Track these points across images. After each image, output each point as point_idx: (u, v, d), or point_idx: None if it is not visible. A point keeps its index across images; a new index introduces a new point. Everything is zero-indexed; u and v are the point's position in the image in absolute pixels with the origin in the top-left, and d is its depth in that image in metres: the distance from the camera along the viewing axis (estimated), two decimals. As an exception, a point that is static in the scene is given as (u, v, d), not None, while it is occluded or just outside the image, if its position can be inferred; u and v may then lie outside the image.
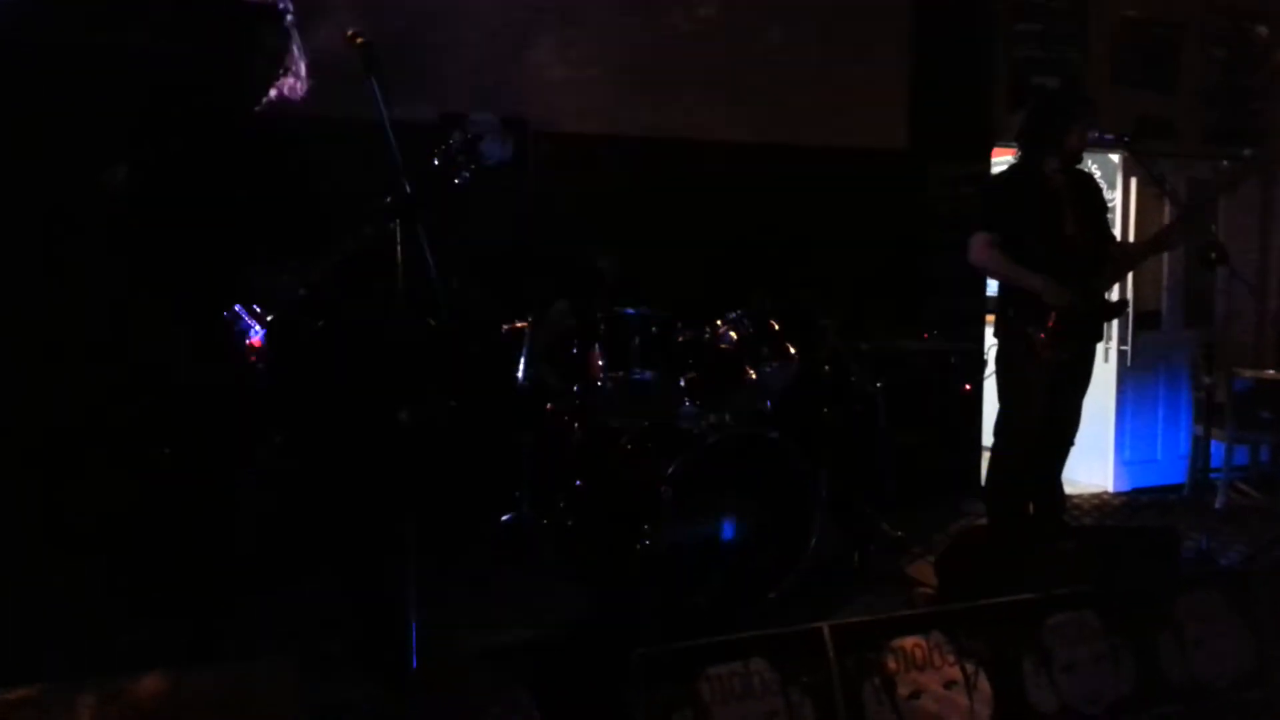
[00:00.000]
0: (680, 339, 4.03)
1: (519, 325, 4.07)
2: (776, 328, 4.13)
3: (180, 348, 2.93)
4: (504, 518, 4.18)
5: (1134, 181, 6.23)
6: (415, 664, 2.68)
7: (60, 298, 2.20)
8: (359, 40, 2.80)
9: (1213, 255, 3.88)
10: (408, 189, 2.76)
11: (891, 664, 2.28)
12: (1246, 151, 4.20)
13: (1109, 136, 4.04)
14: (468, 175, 3.18)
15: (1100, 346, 4.29)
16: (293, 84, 3.02)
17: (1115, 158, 6.31)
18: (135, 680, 1.73)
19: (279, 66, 2.97)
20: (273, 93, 3.01)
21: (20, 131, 2.65)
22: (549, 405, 4.45)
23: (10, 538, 3.52)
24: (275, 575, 4.01)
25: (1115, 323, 6.04)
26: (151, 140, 2.31)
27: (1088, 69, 6.20)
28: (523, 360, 4.07)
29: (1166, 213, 6.07)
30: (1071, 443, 4.29)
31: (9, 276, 3.21)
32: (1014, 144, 4.34)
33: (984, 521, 4.58)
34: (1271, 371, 5.96)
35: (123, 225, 2.82)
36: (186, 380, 2.93)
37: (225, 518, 3.11)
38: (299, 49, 3.01)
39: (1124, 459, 6.28)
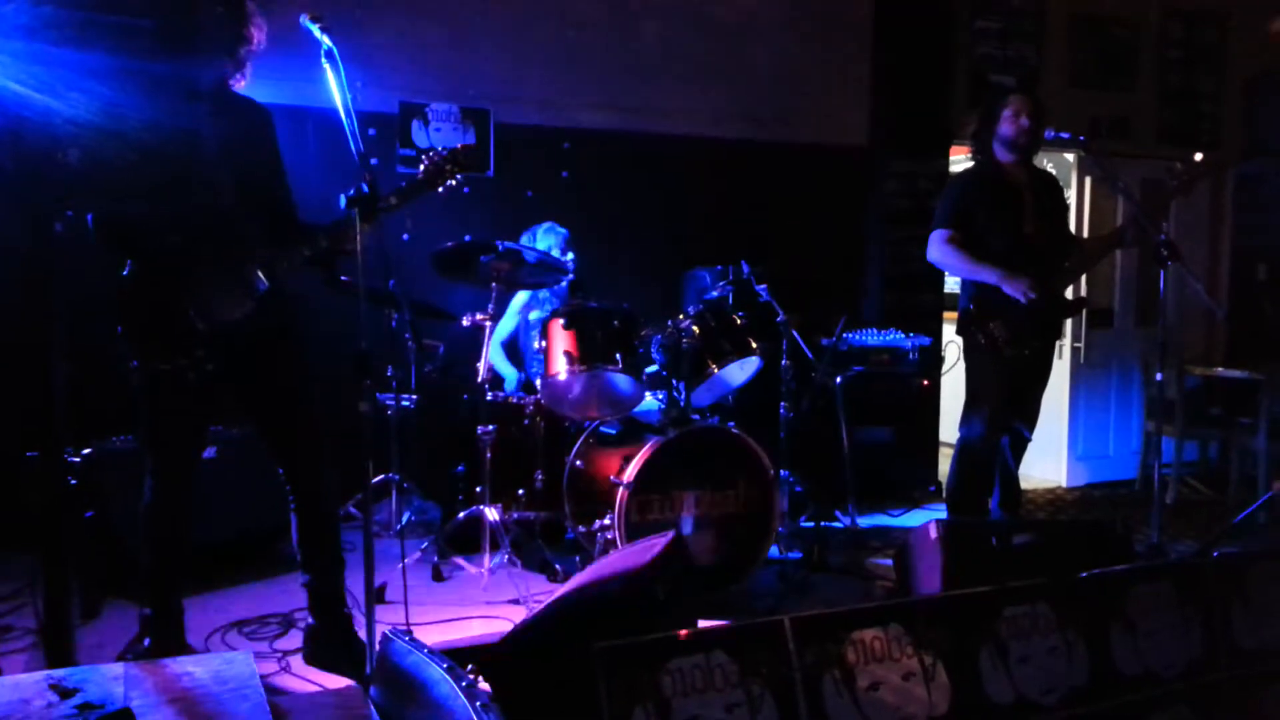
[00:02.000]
0: (643, 333, 4.01)
1: (479, 318, 4.02)
2: (738, 322, 4.14)
3: (138, 331, 2.88)
4: (463, 512, 4.14)
5: (1088, 181, 6.32)
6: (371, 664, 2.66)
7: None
8: (315, 21, 2.75)
9: (1163, 253, 3.94)
10: (367, 181, 2.72)
11: (851, 656, 2.29)
12: (1197, 155, 4.26)
13: (1064, 135, 4.07)
14: (452, 184, 3.20)
15: (1055, 343, 4.35)
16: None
17: (1070, 157, 6.39)
18: (94, 671, 1.69)
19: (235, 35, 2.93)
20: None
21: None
22: (509, 399, 4.43)
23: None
24: (227, 569, 3.97)
25: (1070, 321, 6.13)
26: (108, 121, 2.26)
27: (1045, 68, 6.28)
28: (484, 353, 4.03)
29: (1120, 212, 6.18)
30: (1029, 438, 4.35)
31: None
32: (969, 142, 4.38)
33: (943, 516, 4.63)
34: (1221, 369, 6.08)
35: (80, 205, 2.78)
36: (144, 366, 2.88)
37: (182, 509, 3.06)
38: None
39: (1077, 454, 6.38)
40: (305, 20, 2.72)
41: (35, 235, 1.96)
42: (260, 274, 2.94)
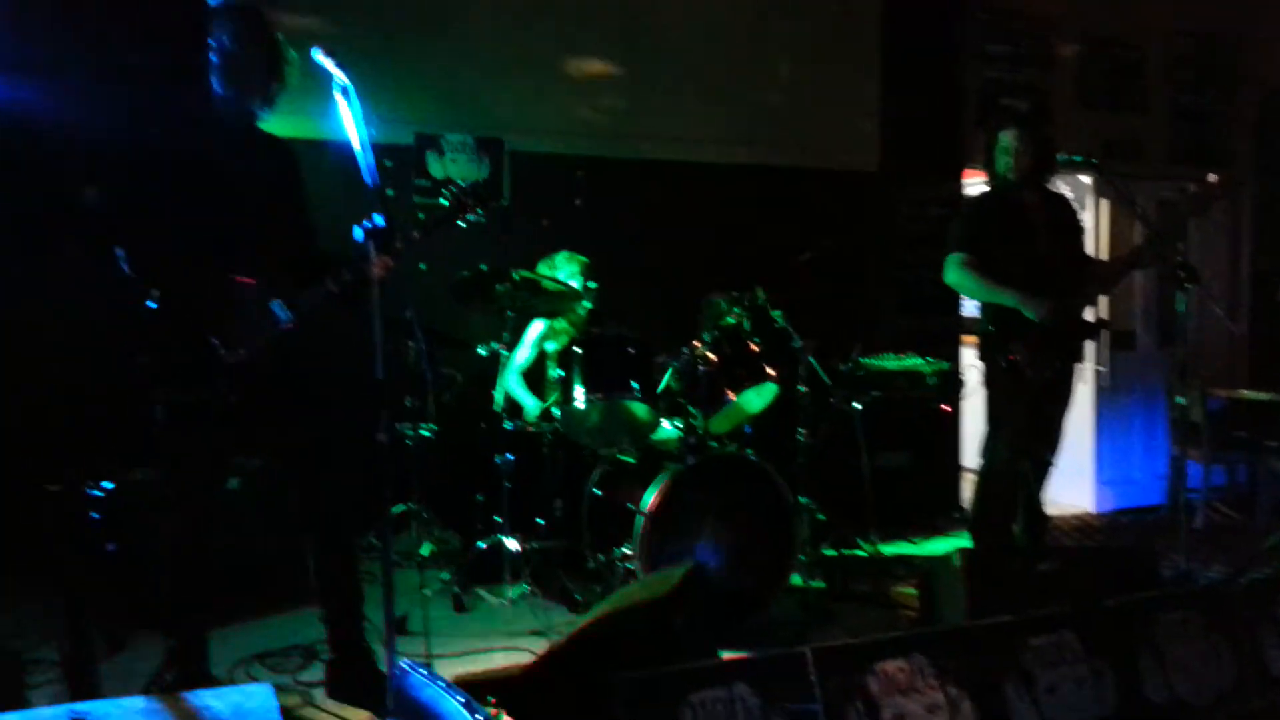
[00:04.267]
0: (659, 360, 4.01)
1: (497, 347, 4.04)
2: (754, 349, 4.13)
3: (161, 363, 2.90)
4: (483, 541, 4.13)
5: (1104, 203, 6.29)
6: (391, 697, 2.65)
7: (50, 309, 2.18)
8: (329, 56, 2.78)
9: (1182, 275, 3.92)
10: (383, 214, 2.74)
11: (875, 688, 2.26)
12: (1211, 176, 4.24)
13: (1076, 158, 4.07)
14: (473, 218, 3.24)
15: (1077, 367, 4.32)
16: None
17: (1086, 179, 6.38)
18: (115, 705, 1.69)
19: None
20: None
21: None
22: (528, 427, 4.43)
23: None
24: (251, 601, 3.97)
25: (1092, 344, 6.08)
26: (127, 159, 2.30)
27: (1055, 90, 6.28)
28: (501, 382, 4.04)
29: (1137, 233, 6.15)
30: (1053, 462, 4.30)
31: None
32: (980, 166, 4.38)
33: (966, 543, 4.58)
34: (1244, 391, 6.01)
35: (100, 240, 2.82)
36: (167, 398, 2.90)
37: (204, 540, 3.07)
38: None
39: (1103, 480, 6.31)
40: (319, 56, 2.75)
41: (55, 270, 1.99)
42: (283, 307, 2.97)
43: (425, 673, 1.73)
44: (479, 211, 3.24)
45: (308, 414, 3.10)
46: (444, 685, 1.65)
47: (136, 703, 1.64)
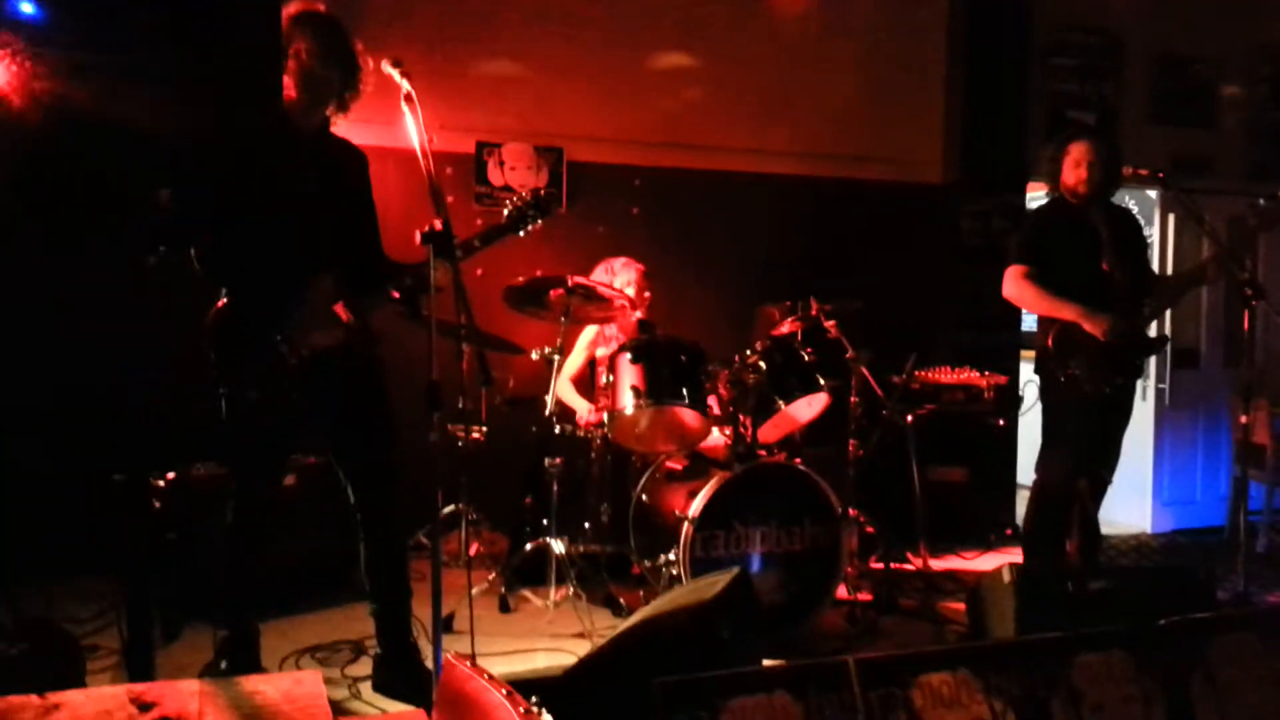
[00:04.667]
0: (709, 368, 4.02)
1: (548, 351, 4.08)
2: (807, 359, 4.12)
3: (228, 360, 2.99)
4: (530, 544, 4.17)
5: (1172, 218, 6.17)
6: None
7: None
8: (397, 68, 2.85)
9: (1249, 292, 3.83)
10: (443, 220, 2.79)
11: (918, 700, 2.24)
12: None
13: (1143, 172, 4.00)
14: (531, 228, 3.30)
15: (1138, 384, 4.24)
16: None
17: (1153, 194, 6.26)
18: (170, 687, 1.75)
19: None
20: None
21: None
22: (577, 432, 4.46)
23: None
24: (303, 595, 4.05)
25: (1154, 361, 5.96)
26: (198, 161, 2.38)
27: (1123, 104, 6.18)
28: (552, 386, 4.08)
29: (1205, 249, 6.01)
30: (1110, 480, 4.22)
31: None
32: (1044, 178, 4.32)
33: (1017, 559, 4.52)
34: (1312, 412, 5.84)
35: (171, 245, 2.91)
36: (233, 394, 2.99)
37: (261, 533, 3.16)
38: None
39: (1163, 500, 6.17)
40: (387, 66, 2.83)
41: (125, 270, 2.07)
42: (348, 309, 3.04)
43: (468, 665, 1.77)
44: (539, 221, 3.30)
45: (366, 414, 3.17)
46: (487, 678, 1.68)
47: (191, 685, 1.71)
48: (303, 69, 2.99)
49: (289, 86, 2.97)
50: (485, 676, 1.70)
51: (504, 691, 1.61)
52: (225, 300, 3.03)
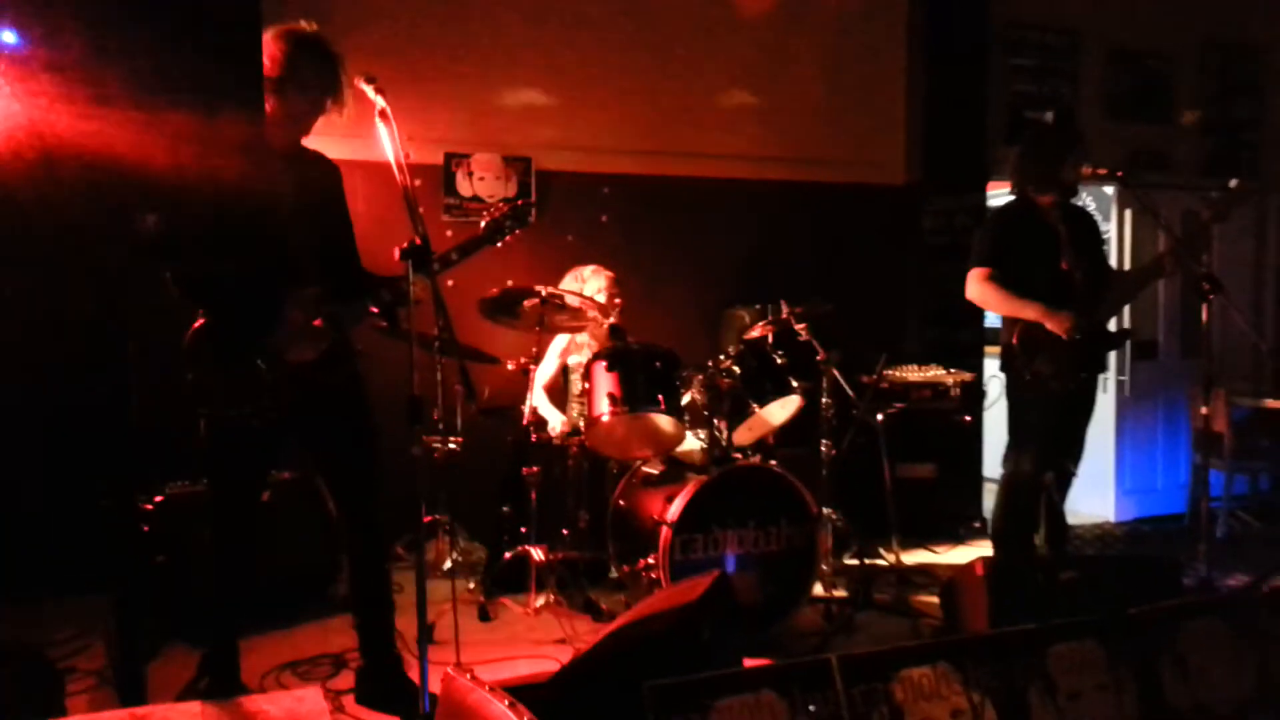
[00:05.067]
0: (684, 373, 4.07)
1: (524, 361, 4.11)
2: (779, 362, 4.18)
3: (207, 380, 2.98)
4: (509, 552, 4.20)
5: (1128, 213, 6.30)
6: (427, 706, 2.71)
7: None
8: (372, 84, 2.86)
9: (1206, 286, 3.94)
10: (421, 235, 2.81)
11: (899, 694, 2.30)
12: (1232, 181, 4.26)
13: (1102, 171, 4.10)
14: (509, 239, 3.33)
15: (1099, 377, 4.34)
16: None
17: (1109, 190, 6.39)
18: (173, 709, 1.77)
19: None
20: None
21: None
22: (554, 440, 4.49)
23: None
24: (279, 611, 4.05)
25: (1114, 353, 6.09)
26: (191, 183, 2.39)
27: (1081, 102, 6.31)
28: (529, 396, 4.10)
29: (1161, 243, 6.15)
30: (1075, 472, 4.32)
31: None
32: (1008, 179, 4.41)
33: (988, 552, 4.61)
34: (1269, 400, 6.00)
35: (158, 266, 2.91)
36: (212, 413, 2.98)
37: (245, 549, 3.16)
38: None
39: (1125, 489, 6.30)
40: (361, 83, 2.84)
41: (109, 292, 2.07)
42: (326, 324, 3.04)
43: (469, 678, 1.80)
44: (516, 232, 3.33)
45: (348, 428, 3.18)
46: (488, 690, 1.71)
47: (193, 707, 1.72)
48: (287, 88, 2.97)
49: (271, 104, 2.96)
50: (487, 688, 1.73)
51: (507, 703, 1.64)
52: (202, 319, 3.02)
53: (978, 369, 5.92)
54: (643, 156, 5.48)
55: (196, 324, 3.01)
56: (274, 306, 3.00)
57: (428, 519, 4.53)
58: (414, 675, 3.15)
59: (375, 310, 3.09)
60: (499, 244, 3.33)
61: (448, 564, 4.60)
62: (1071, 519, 4.54)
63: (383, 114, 2.81)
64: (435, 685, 2.77)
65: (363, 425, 3.20)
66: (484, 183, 5.19)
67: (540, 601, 4.03)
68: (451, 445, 4.55)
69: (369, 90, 2.83)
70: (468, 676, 1.82)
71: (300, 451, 3.20)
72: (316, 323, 3.03)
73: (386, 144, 2.79)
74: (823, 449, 4.54)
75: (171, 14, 2.12)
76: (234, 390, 2.95)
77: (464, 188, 5.17)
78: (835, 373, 4.54)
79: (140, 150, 1.82)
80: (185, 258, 2.89)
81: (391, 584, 3.35)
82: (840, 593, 4.39)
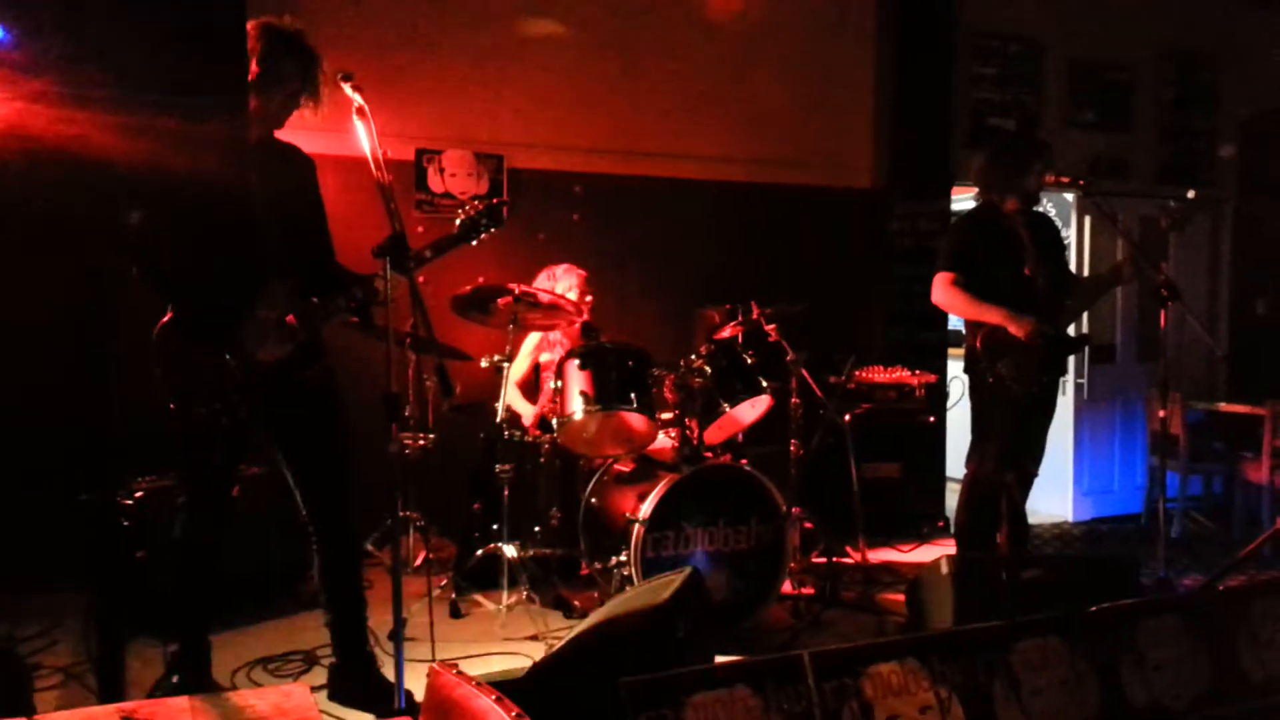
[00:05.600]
0: (656, 373, 4.10)
1: (497, 359, 4.12)
2: (749, 362, 4.23)
3: (179, 378, 2.96)
4: (480, 549, 4.21)
5: (1088, 220, 6.44)
6: (403, 703, 2.73)
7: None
8: (348, 81, 2.86)
9: (1164, 292, 4.04)
10: (398, 233, 2.82)
11: (869, 690, 2.35)
12: (1190, 192, 4.38)
13: (1064, 179, 4.19)
14: (485, 237, 3.33)
15: (1059, 380, 4.44)
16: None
17: (1070, 196, 6.52)
18: (161, 705, 1.77)
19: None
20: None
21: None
22: (525, 437, 4.51)
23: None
24: (249, 607, 4.03)
25: (1073, 357, 6.22)
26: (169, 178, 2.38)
27: (1042, 110, 6.43)
28: (502, 393, 4.12)
29: (1120, 250, 6.29)
30: (1036, 473, 4.41)
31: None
32: (972, 184, 4.49)
33: (952, 551, 4.69)
34: (1223, 404, 6.16)
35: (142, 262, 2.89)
36: (181, 410, 2.97)
37: (214, 545, 3.15)
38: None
39: (1083, 490, 6.44)
40: (339, 79, 2.84)
41: (85, 285, 2.07)
42: (298, 319, 3.03)
43: (454, 673, 1.82)
44: (491, 230, 3.33)
45: (319, 425, 3.18)
46: (474, 684, 1.73)
47: (181, 702, 1.72)
48: (263, 82, 2.95)
49: (254, 94, 2.95)
50: (473, 683, 1.75)
51: (494, 698, 1.67)
52: (171, 314, 3.00)
53: (941, 371, 6.01)
54: (614, 156, 5.50)
55: (164, 319, 3.00)
56: (243, 302, 2.99)
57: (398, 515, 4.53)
58: (388, 672, 3.18)
59: (353, 306, 3.08)
60: (473, 242, 3.33)
61: (419, 561, 4.60)
62: (1031, 519, 4.63)
63: (360, 111, 2.81)
64: (409, 681, 2.80)
65: (334, 424, 3.20)
66: (455, 179, 5.19)
67: (512, 598, 4.05)
68: (423, 442, 4.55)
69: (346, 88, 2.84)
70: (454, 672, 1.84)
71: (268, 447, 3.18)
72: (288, 319, 3.02)
73: (364, 140, 2.80)
74: (791, 448, 4.60)
75: (153, 7, 2.12)
76: (201, 386, 2.94)
77: (435, 184, 5.16)
78: (804, 373, 4.59)
79: (115, 144, 1.81)
80: (153, 250, 2.86)
81: (363, 581, 3.35)
82: (808, 590, 4.45)
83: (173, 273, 2.96)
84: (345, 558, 3.27)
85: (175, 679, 3.12)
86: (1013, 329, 4.06)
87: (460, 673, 1.84)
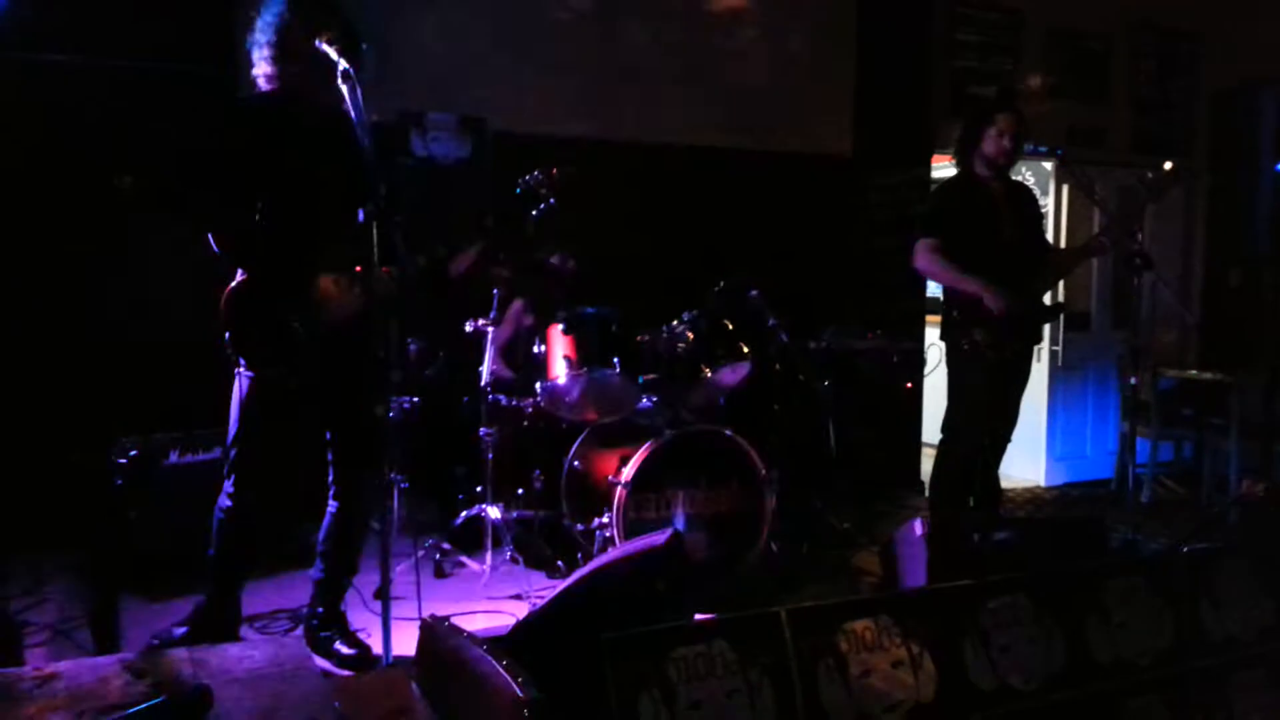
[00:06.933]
0: (638, 338, 4.15)
1: (482, 323, 4.15)
2: (730, 328, 4.28)
3: (249, 341, 2.99)
4: (465, 511, 4.26)
5: (1065, 189, 6.50)
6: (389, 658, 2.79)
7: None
8: (334, 46, 2.86)
9: (1138, 262, 4.11)
10: (381, 191, 2.82)
11: (844, 645, 2.42)
12: (1167, 164, 4.44)
13: (1042, 148, 4.25)
14: (544, 208, 3.34)
15: (1034, 347, 4.52)
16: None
17: (1048, 165, 6.58)
18: (161, 655, 1.82)
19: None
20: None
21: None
22: (510, 400, 4.55)
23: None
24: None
25: (1048, 325, 6.30)
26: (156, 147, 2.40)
27: (1022, 79, 6.47)
28: (486, 358, 4.16)
29: (1096, 219, 6.37)
30: (1009, 439, 4.51)
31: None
32: (950, 152, 4.54)
33: (926, 513, 4.79)
34: (1194, 372, 6.28)
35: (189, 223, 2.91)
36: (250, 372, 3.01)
37: (257, 506, 3.18)
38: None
39: (1055, 455, 6.56)
40: (321, 43, 2.84)
41: (80, 243, 2.09)
42: (358, 285, 3.05)
43: (446, 625, 1.89)
44: (551, 201, 3.35)
45: (362, 392, 3.20)
46: (466, 636, 1.79)
47: (181, 653, 1.78)
48: (313, 52, 2.91)
49: (293, 66, 2.97)
50: (465, 634, 1.81)
51: (484, 647, 1.73)
52: (243, 278, 3.02)
53: (918, 337, 6.09)
54: (595, 121, 5.50)
55: (234, 283, 3.02)
56: (310, 265, 3.03)
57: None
58: (375, 630, 3.24)
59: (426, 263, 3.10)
60: (535, 214, 3.38)
61: (400, 522, 4.64)
62: (1004, 483, 4.74)
63: (345, 76, 2.82)
64: (395, 642, 2.87)
65: (371, 389, 3.21)
66: (439, 142, 5.18)
67: (496, 559, 4.12)
68: (407, 405, 4.58)
69: (332, 52, 2.84)
70: (445, 624, 1.90)
71: (309, 404, 3.21)
72: (348, 283, 3.05)
73: (349, 106, 2.80)
74: (771, 412, 4.66)
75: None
76: (271, 349, 2.98)
77: (418, 147, 5.15)
78: (783, 338, 4.65)
79: (159, 115, 1.83)
80: (217, 218, 2.88)
81: (362, 547, 3.41)
82: (785, 551, 4.53)
83: (243, 235, 2.96)
84: (357, 522, 3.33)
85: (178, 631, 3.16)
86: (988, 300, 4.13)
87: (452, 625, 1.90)
